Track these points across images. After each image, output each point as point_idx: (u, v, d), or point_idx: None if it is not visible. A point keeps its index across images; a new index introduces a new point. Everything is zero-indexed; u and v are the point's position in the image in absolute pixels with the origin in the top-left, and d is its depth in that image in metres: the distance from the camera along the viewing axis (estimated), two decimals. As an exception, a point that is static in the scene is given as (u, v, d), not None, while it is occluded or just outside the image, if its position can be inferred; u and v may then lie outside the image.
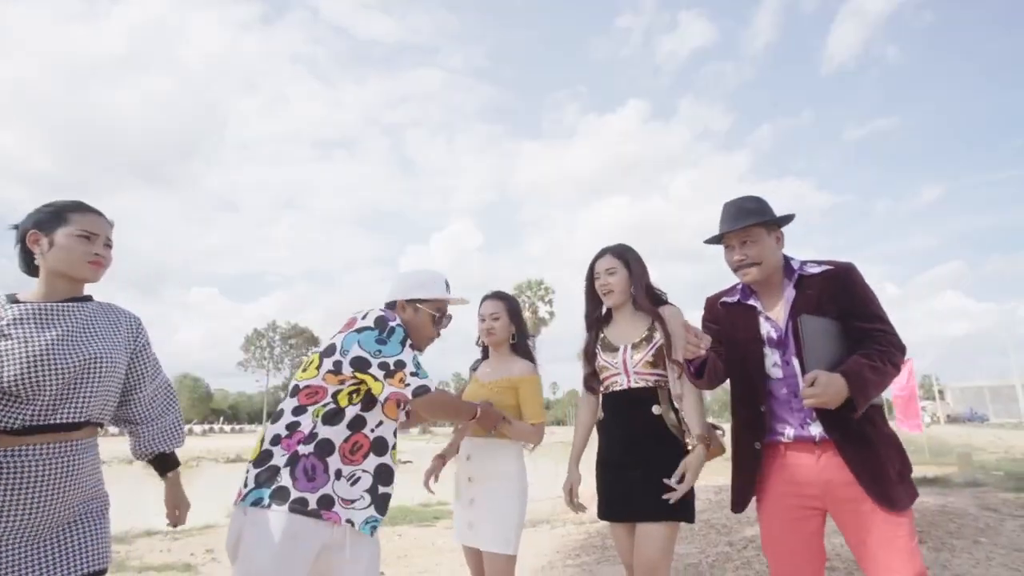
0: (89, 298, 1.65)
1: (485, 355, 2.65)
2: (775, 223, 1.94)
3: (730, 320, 2.01)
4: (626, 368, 2.22)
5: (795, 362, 1.82)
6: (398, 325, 1.80)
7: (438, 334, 2.02)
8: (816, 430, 1.78)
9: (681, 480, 2.03)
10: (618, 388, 2.23)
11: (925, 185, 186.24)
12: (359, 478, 1.70)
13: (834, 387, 1.60)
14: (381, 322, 1.77)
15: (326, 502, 1.61)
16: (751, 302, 1.96)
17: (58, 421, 1.46)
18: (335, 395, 1.72)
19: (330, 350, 1.76)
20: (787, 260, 1.96)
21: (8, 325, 1.47)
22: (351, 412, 1.73)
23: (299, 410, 1.71)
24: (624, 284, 2.31)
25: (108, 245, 1.63)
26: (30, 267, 1.61)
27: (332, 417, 1.70)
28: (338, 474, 1.65)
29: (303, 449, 1.64)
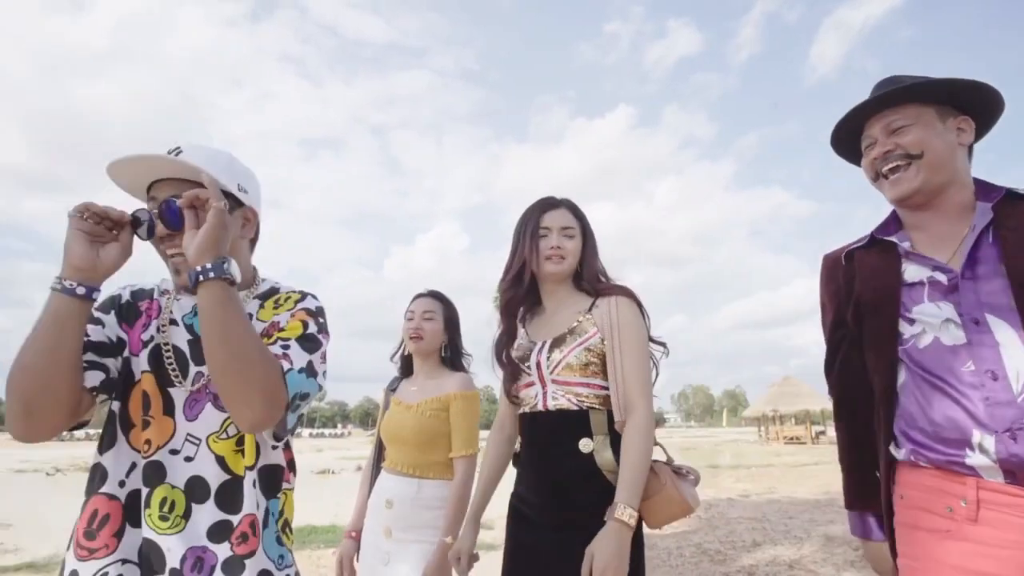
0: None
1: (406, 372, 2.13)
2: (949, 98, 1.18)
3: (859, 276, 1.28)
4: (541, 375, 1.50)
5: (987, 319, 1.06)
6: None
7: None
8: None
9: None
10: (531, 408, 1.53)
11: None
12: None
13: None
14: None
15: None
16: (893, 238, 1.24)
17: None
18: None
19: None
20: (979, 182, 1.21)
21: None
22: None
23: None
24: (577, 255, 1.57)
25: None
26: None
27: None
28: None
29: None
